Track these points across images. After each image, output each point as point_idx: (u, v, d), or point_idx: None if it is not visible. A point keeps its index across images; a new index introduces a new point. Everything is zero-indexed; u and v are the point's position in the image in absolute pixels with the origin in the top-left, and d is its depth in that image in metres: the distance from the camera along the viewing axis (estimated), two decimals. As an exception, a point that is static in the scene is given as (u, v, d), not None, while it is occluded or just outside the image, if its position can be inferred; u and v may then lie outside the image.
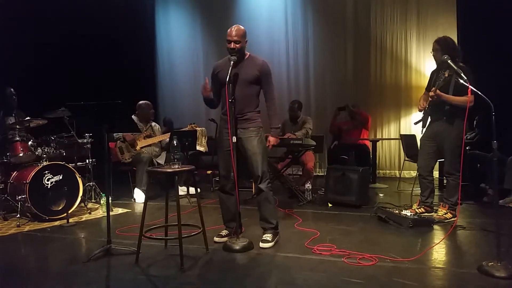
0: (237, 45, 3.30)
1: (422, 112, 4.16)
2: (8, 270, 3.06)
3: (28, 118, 4.64)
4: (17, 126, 4.57)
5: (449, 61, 3.50)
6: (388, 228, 3.85)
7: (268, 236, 3.40)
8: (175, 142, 3.16)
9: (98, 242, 3.48)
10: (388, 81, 7.31)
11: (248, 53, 3.47)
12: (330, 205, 4.87)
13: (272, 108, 3.51)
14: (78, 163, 5.25)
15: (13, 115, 4.80)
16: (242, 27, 3.38)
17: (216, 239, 3.50)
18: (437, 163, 4.70)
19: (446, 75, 3.93)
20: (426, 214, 4.13)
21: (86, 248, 3.61)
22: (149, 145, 5.69)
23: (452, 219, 3.94)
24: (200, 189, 5.40)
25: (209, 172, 6.61)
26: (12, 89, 4.83)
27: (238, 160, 3.33)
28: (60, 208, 4.48)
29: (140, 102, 5.84)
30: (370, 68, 7.40)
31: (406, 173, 6.89)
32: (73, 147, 5.12)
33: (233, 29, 3.33)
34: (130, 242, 3.38)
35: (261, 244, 3.34)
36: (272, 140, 3.55)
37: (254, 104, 3.45)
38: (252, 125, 3.42)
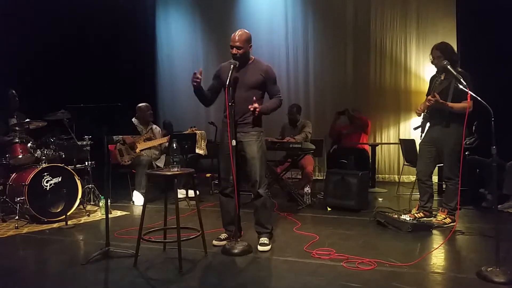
0: (239, 51, 3.30)
1: (421, 117, 4.17)
2: (6, 272, 3.04)
3: (27, 120, 4.65)
4: (17, 128, 4.57)
5: (448, 66, 3.51)
6: (387, 233, 3.85)
7: (265, 240, 3.40)
8: (174, 145, 3.16)
9: (97, 245, 3.47)
10: (388, 85, 7.31)
11: (253, 57, 3.46)
12: (329, 209, 4.87)
13: (274, 101, 3.49)
14: (77, 165, 5.25)
15: (15, 116, 4.81)
16: (246, 32, 3.37)
17: (215, 242, 3.49)
18: (436, 168, 4.70)
19: (442, 78, 3.97)
20: (425, 218, 4.13)
21: (84, 250, 3.61)
22: (149, 148, 5.69)
23: (451, 224, 3.94)
24: (199, 192, 5.39)
25: (208, 175, 6.61)
26: (13, 91, 4.85)
27: (238, 164, 3.32)
28: (59, 210, 4.47)
29: (139, 104, 5.85)
30: (370, 73, 7.39)
31: (405, 178, 6.88)
32: (72, 149, 5.11)
33: (236, 34, 3.32)
34: (129, 245, 3.38)
35: (260, 248, 3.34)
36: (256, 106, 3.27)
37: None
38: (253, 130, 3.41)
